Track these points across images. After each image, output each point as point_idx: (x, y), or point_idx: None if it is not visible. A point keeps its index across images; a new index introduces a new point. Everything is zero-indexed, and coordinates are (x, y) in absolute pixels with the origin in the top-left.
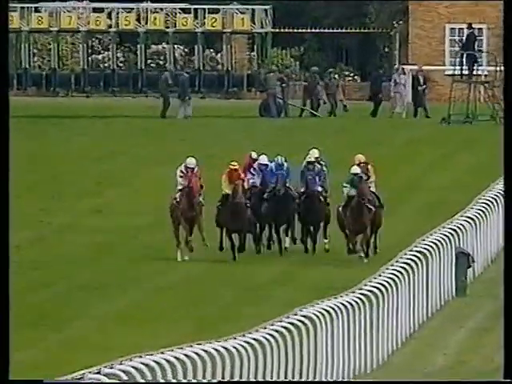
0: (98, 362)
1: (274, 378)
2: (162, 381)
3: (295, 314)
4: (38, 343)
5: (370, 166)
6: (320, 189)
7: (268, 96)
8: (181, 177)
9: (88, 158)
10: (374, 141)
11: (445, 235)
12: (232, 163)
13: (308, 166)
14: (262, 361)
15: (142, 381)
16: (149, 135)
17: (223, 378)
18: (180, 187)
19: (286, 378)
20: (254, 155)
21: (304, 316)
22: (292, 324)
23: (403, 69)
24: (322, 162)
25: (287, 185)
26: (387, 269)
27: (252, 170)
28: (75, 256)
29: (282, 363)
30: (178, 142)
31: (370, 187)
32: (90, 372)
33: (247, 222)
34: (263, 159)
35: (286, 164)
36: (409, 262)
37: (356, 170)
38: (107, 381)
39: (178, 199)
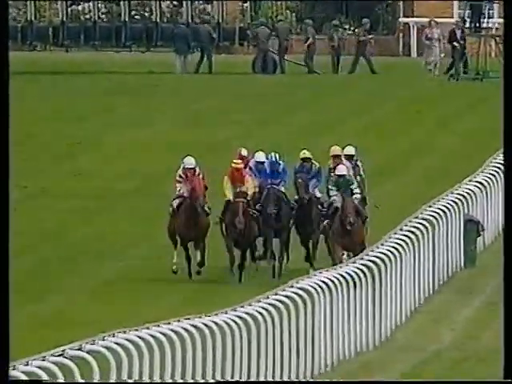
0: (75, 338)
1: (269, 356)
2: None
3: (291, 287)
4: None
5: (359, 162)
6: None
7: (259, 51)
8: (179, 182)
9: (66, 117)
10: (376, 99)
11: (453, 201)
12: (235, 161)
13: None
14: (255, 337)
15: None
16: (133, 93)
17: (214, 354)
18: (178, 193)
19: (281, 355)
20: (243, 152)
21: (300, 288)
22: (287, 297)
23: (436, 22)
24: (358, 163)
25: (282, 189)
26: (390, 238)
27: (247, 170)
28: (51, 223)
29: (277, 339)
30: (164, 100)
31: (355, 199)
32: (70, 349)
33: (252, 237)
34: (260, 157)
35: (281, 163)
36: (414, 230)
37: (342, 170)
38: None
39: (176, 207)
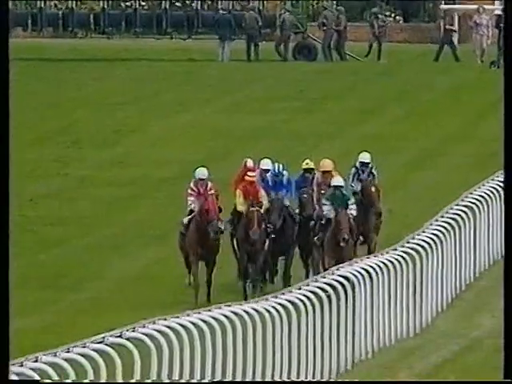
0: (117, 325)
1: (309, 344)
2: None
3: (332, 274)
4: (51, 305)
5: (374, 170)
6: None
7: (284, 37)
8: (191, 195)
9: (107, 104)
10: (418, 85)
11: (494, 188)
12: (249, 174)
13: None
14: (295, 324)
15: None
16: (173, 80)
17: (254, 342)
18: (190, 208)
19: (322, 343)
20: (249, 163)
21: (341, 276)
22: (328, 284)
23: (484, 8)
24: (373, 171)
25: (287, 203)
26: (431, 225)
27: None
28: (93, 211)
29: (318, 327)
30: (205, 88)
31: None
32: (111, 336)
33: (264, 251)
34: (265, 164)
35: (285, 174)
36: (455, 217)
37: (339, 181)
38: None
39: (186, 224)
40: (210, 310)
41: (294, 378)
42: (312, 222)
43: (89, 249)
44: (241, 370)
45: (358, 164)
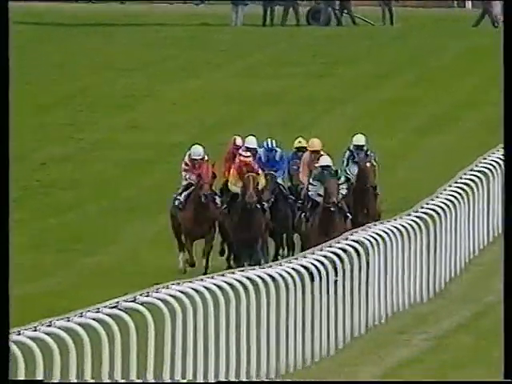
0: (131, 289)
1: (323, 309)
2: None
3: (346, 239)
4: (65, 269)
5: (370, 153)
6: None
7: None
8: (185, 170)
9: (121, 68)
10: (431, 50)
11: None
12: (243, 154)
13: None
14: (309, 289)
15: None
16: (186, 45)
17: (268, 307)
18: (185, 183)
19: (335, 308)
20: (238, 141)
21: (355, 241)
22: (342, 249)
23: None
24: (369, 153)
25: (280, 180)
26: (445, 190)
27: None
28: (107, 174)
29: (332, 293)
30: (218, 53)
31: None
32: (124, 300)
33: (262, 231)
34: (250, 142)
35: (278, 150)
36: (469, 182)
37: (326, 161)
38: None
39: (182, 201)
40: (223, 275)
41: (308, 344)
42: (300, 202)
43: (103, 213)
44: (255, 336)
45: (352, 147)
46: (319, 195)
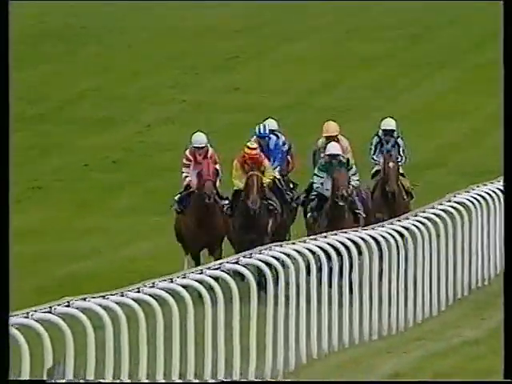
0: (228, 252)
1: (426, 269)
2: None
3: (449, 201)
4: (164, 232)
5: (344, 142)
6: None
7: None
8: (186, 166)
9: (224, 30)
10: None
11: None
12: (249, 145)
13: None
14: (411, 251)
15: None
16: (284, 8)
17: (370, 268)
18: (186, 182)
19: (438, 269)
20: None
21: (458, 202)
22: (445, 211)
23: None
24: (399, 141)
25: (276, 174)
26: None
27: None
28: (211, 136)
29: (434, 254)
30: (317, 16)
31: (350, 180)
32: (227, 262)
33: (268, 235)
34: (272, 125)
35: (273, 137)
36: None
37: (335, 148)
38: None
39: (182, 205)
40: (293, 243)
41: (410, 305)
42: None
43: None
44: (347, 299)
45: (380, 133)
46: (326, 190)
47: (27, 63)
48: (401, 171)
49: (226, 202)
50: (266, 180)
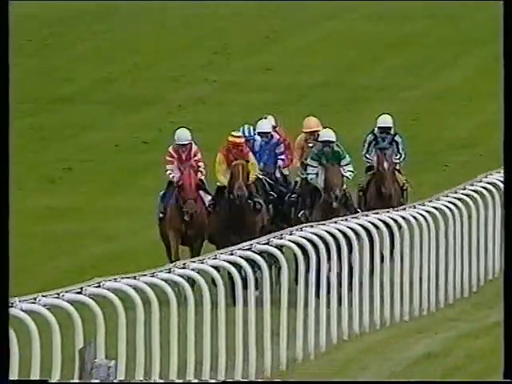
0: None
1: (457, 250)
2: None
3: (480, 181)
4: None
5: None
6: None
7: None
8: (170, 163)
9: (254, 13)
10: None
11: None
12: (233, 134)
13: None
14: (442, 231)
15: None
16: None
17: (402, 248)
18: (169, 179)
19: (469, 250)
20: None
21: (490, 183)
22: (476, 192)
23: None
24: (396, 139)
25: (259, 175)
26: None
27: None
28: (242, 116)
29: (466, 234)
30: None
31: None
32: (257, 243)
33: (256, 234)
34: (260, 127)
35: (258, 139)
36: None
37: (328, 135)
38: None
39: (165, 203)
40: (335, 222)
41: (442, 287)
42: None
43: None
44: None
45: (376, 130)
46: (317, 183)
47: (62, 44)
48: (397, 167)
49: (209, 197)
50: (253, 175)
